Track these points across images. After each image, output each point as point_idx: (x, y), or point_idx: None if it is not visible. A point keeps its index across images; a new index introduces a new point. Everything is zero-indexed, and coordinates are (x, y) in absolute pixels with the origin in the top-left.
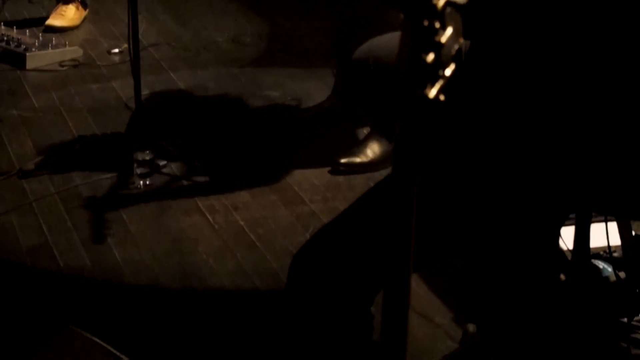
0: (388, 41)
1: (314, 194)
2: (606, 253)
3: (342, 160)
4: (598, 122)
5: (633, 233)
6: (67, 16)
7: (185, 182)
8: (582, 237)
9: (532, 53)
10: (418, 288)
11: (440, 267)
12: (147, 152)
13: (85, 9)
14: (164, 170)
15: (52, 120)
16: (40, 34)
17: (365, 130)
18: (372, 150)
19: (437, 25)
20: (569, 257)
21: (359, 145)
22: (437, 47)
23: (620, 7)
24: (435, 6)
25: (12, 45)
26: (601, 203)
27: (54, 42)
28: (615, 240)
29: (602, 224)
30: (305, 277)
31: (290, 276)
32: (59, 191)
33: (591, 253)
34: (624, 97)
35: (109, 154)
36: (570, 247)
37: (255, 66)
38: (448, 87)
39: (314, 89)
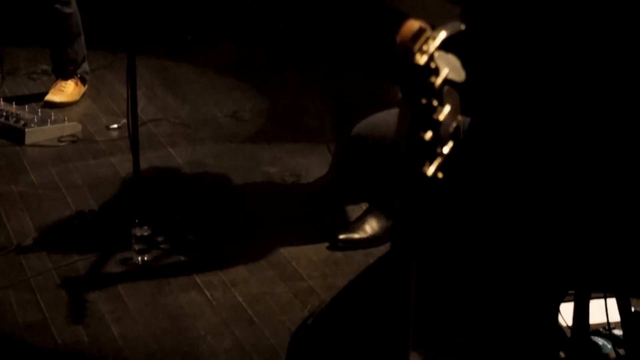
0: (386, 118)
1: (312, 269)
2: (606, 330)
3: (341, 237)
4: (597, 201)
5: (632, 309)
6: (66, 92)
7: (183, 258)
8: (581, 313)
9: (530, 131)
10: None
11: (440, 344)
12: (146, 228)
13: (84, 85)
14: (162, 246)
15: (51, 196)
16: (40, 110)
17: (363, 206)
18: (371, 226)
19: (435, 103)
20: (569, 334)
21: (357, 221)
22: (435, 125)
23: (618, 90)
24: (433, 84)
25: (11, 121)
26: (600, 280)
27: (52, 117)
28: (615, 316)
29: (602, 301)
30: (305, 355)
31: (289, 354)
32: (57, 267)
33: (590, 330)
34: (621, 176)
35: (108, 230)
36: (570, 323)
37: (253, 142)
38: (446, 165)
39: (312, 164)
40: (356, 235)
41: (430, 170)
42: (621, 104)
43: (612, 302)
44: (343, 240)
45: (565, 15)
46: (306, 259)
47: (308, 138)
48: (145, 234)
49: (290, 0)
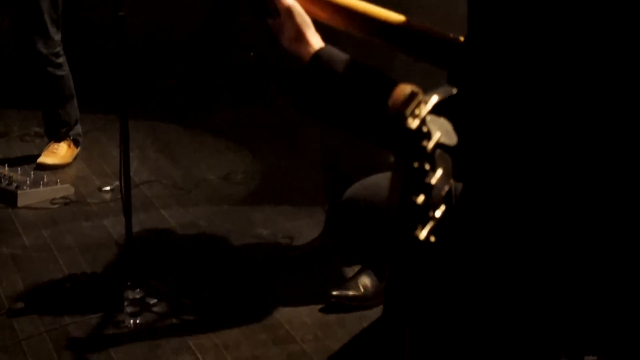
0: (378, 182)
1: (305, 332)
2: None
3: (334, 293)
4: (589, 268)
5: None
6: (58, 154)
7: (175, 321)
8: None
9: (521, 197)
10: None
11: None
12: (138, 290)
13: (77, 147)
14: (154, 308)
15: (43, 258)
16: (32, 172)
17: (356, 268)
18: (364, 285)
19: (428, 167)
20: None
21: (350, 280)
22: (428, 189)
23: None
24: (425, 148)
25: (4, 183)
26: (592, 343)
27: (45, 179)
28: None
29: None
30: None
31: None
32: (48, 330)
33: None
34: (613, 240)
35: (100, 293)
36: None
37: (246, 204)
38: (439, 229)
39: (305, 226)
40: (350, 292)
41: (423, 234)
42: (614, 171)
43: None
44: (336, 296)
45: (554, 81)
46: (299, 322)
47: (301, 200)
48: (138, 296)
49: (281, 64)
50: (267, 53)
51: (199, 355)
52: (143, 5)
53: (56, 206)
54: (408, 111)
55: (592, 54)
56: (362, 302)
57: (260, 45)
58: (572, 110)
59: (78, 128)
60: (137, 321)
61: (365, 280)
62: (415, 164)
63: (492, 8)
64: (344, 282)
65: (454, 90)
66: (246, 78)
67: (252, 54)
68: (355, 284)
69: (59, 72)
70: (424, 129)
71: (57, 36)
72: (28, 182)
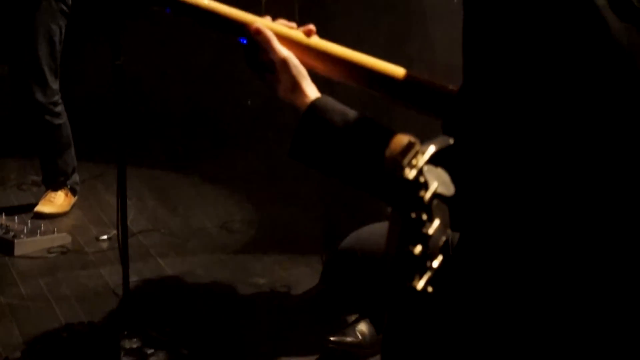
0: (376, 231)
1: None
2: None
3: (332, 339)
4: (588, 321)
5: None
6: (56, 203)
7: None
8: None
9: (520, 246)
10: None
11: None
12: (135, 340)
13: (74, 196)
14: (152, 358)
15: (40, 308)
16: (29, 221)
17: (353, 317)
18: (362, 332)
19: (425, 217)
20: None
21: (348, 327)
22: (425, 239)
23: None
24: (422, 198)
25: (1, 232)
26: None
27: (42, 228)
28: None
29: None
30: None
31: None
32: None
33: None
34: (613, 300)
35: (97, 343)
36: None
37: (244, 253)
38: (436, 279)
39: (302, 275)
40: (348, 339)
41: (420, 284)
42: (613, 223)
43: None
44: (334, 342)
45: (550, 133)
46: None
47: (299, 249)
48: (135, 346)
49: (278, 113)
50: (264, 101)
51: None
52: (141, 54)
53: (53, 255)
54: (405, 161)
55: (587, 105)
56: (360, 349)
57: (257, 93)
58: (570, 161)
59: (75, 176)
60: None
61: (363, 328)
62: (413, 215)
63: (487, 59)
64: (342, 328)
65: (451, 141)
66: (243, 126)
67: (249, 102)
68: (353, 331)
69: (57, 121)
70: (421, 179)
71: (55, 85)
72: (25, 231)
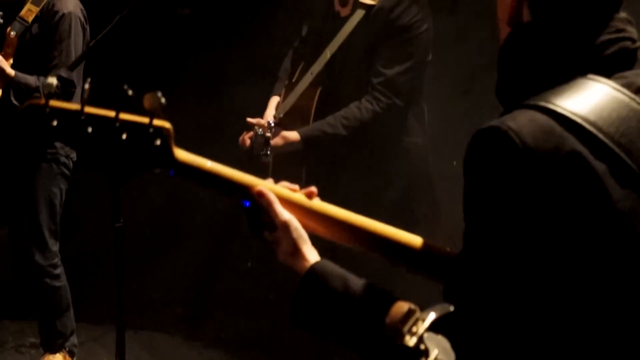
0: None
1: None
2: None
3: None
4: None
5: None
6: None
7: None
8: None
9: None
10: None
11: None
12: None
13: (72, 358)
14: None
15: None
16: None
17: None
18: None
19: None
20: None
21: None
22: None
23: None
24: None
25: None
26: None
27: None
28: None
29: None
30: None
31: None
32: None
33: None
34: None
35: None
36: None
37: None
38: None
39: None
40: None
41: None
42: None
43: None
44: None
45: (551, 303)
46: None
47: None
48: None
49: (278, 274)
50: (264, 263)
51: None
52: (141, 211)
53: None
54: (405, 329)
55: (588, 271)
56: None
57: (258, 255)
58: (571, 333)
59: (74, 339)
60: None
61: None
62: None
63: (487, 226)
64: None
65: (451, 308)
66: (244, 288)
67: (249, 264)
68: None
69: (56, 283)
70: (422, 347)
71: (55, 247)
72: None
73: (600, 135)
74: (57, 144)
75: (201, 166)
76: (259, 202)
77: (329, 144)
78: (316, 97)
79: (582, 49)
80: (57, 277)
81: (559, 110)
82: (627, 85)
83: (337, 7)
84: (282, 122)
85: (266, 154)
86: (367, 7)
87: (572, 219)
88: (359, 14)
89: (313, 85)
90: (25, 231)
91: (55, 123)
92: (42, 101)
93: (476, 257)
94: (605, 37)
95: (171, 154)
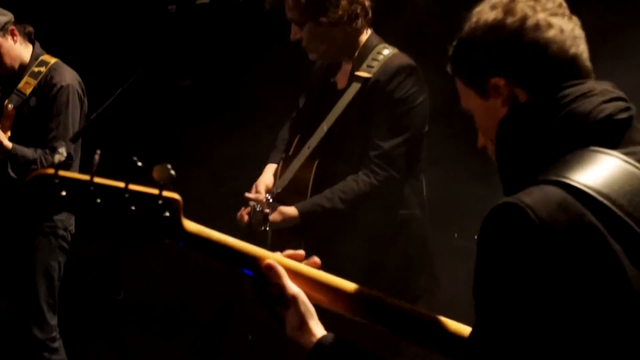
0: None
1: None
2: None
3: None
4: None
5: None
6: None
7: None
8: None
9: None
10: None
11: None
12: None
13: None
14: None
15: None
16: None
17: None
18: None
19: None
20: None
21: None
22: None
23: None
24: None
25: None
26: None
27: None
28: None
29: None
30: None
31: None
32: None
33: None
34: None
35: None
36: None
37: None
38: None
39: None
40: None
41: None
42: None
43: None
44: None
45: None
46: None
47: None
48: None
49: (280, 347)
50: (267, 335)
51: None
52: (142, 286)
53: None
54: None
55: (601, 349)
56: None
57: (259, 328)
58: None
59: None
60: None
61: None
62: None
63: (502, 303)
64: None
65: None
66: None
67: (250, 337)
68: None
69: (54, 357)
70: None
71: (53, 321)
72: None
73: (614, 208)
74: (56, 217)
75: (210, 237)
76: (268, 274)
77: (327, 218)
78: (313, 171)
79: (582, 120)
80: (55, 350)
81: (573, 184)
82: (632, 154)
83: (334, 78)
84: (280, 196)
85: (265, 230)
86: (363, 80)
87: (588, 296)
88: (355, 87)
89: (310, 158)
90: (24, 305)
91: (64, 193)
92: (51, 171)
93: (492, 334)
94: (601, 106)
95: (180, 225)
